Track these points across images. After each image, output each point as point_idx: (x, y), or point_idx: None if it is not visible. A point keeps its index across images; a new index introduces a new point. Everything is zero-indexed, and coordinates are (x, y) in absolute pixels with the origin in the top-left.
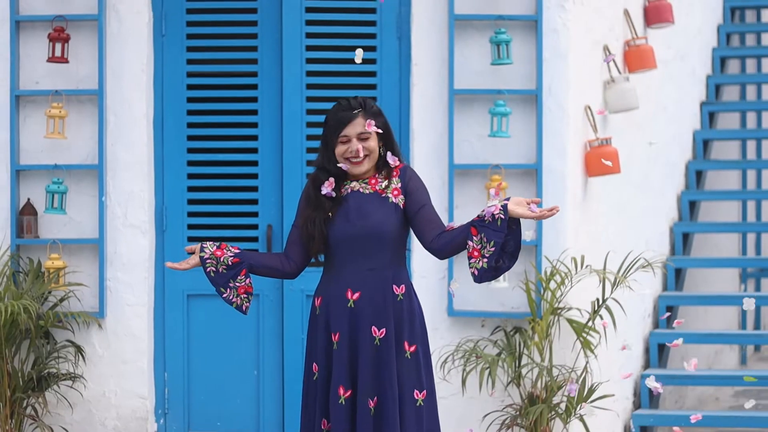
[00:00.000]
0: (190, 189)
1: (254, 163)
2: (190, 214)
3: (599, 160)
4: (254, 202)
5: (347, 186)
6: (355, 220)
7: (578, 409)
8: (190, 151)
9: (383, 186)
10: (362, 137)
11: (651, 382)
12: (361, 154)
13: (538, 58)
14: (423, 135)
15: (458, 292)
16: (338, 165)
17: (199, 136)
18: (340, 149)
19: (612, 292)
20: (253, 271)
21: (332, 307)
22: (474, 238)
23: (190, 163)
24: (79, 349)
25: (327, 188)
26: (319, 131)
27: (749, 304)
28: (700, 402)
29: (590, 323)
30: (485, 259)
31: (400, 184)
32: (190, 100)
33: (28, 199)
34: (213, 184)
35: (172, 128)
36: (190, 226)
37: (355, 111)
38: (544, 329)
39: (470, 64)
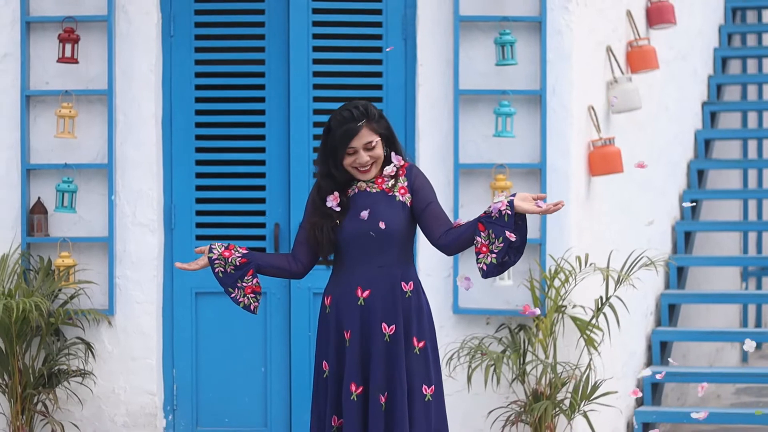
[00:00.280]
0: (199, 188)
1: (262, 162)
2: (199, 213)
3: (605, 160)
4: (262, 200)
5: (354, 186)
6: (364, 220)
7: (582, 405)
8: (199, 150)
9: (390, 185)
10: (368, 147)
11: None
12: (369, 165)
13: (542, 58)
14: (428, 135)
15: (462, 291)
16: (345, 171)
17: (207, 135)
18: (348, 160)
19: (615, 290)
20: (261, 271)
21: (342, 305)
22: (482, 234)
23: (199, 162)
24: (88, 346)
25: (332, 202)
26: None
27: (750, 346)
28: (702, 400)
29: (594, 321)
30: (493, 255)
31: (406, 183)
32: (198, 99)
33: (39, 198)
34: (221, 183)
35: (180, 127)
36: (199, 225)
37: (360, 123)
38: (548, 327)
39: (475, 65)
